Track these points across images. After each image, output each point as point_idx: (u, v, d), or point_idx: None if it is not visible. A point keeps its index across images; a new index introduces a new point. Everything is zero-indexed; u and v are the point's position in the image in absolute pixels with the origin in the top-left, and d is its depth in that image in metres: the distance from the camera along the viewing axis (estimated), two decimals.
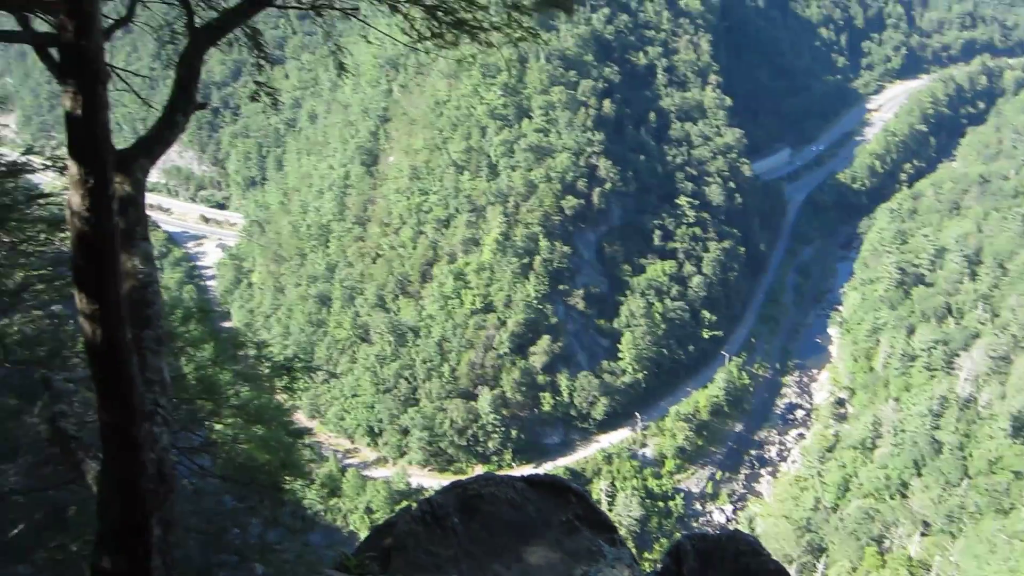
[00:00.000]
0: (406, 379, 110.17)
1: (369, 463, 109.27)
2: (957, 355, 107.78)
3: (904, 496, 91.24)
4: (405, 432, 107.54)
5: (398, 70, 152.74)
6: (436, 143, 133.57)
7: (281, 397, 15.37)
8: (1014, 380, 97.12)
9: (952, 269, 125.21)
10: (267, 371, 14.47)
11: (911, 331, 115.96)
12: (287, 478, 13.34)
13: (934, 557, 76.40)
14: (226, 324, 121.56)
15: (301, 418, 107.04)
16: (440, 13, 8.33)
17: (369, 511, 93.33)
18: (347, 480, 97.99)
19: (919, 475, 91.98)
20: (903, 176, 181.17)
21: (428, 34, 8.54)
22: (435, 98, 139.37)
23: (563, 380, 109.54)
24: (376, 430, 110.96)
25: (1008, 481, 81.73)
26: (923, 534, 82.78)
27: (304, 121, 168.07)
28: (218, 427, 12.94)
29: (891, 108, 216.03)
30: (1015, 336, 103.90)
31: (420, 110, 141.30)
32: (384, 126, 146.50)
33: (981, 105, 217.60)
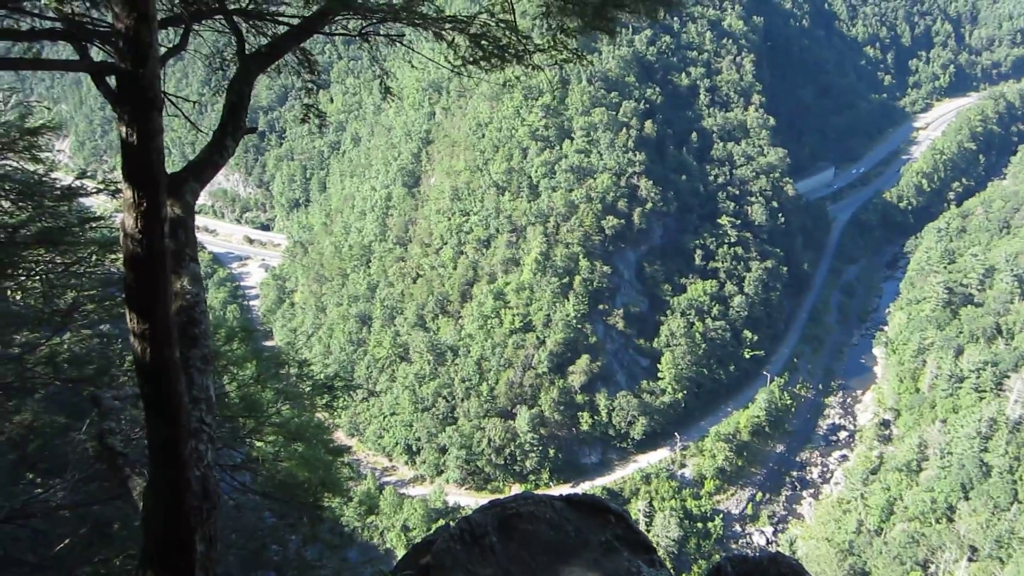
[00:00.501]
0: (444, 398, 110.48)
1: (407, 481, 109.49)
2: (1007, 376, 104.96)
3: (951, 520, 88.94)
4: (443, 450, 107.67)
5: (440, 93, 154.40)
6: (477, 164, 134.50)
7: (321, 415, 15.54)
8: None
9: (1002, 289, 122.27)
10: (308, 390, 14.68)
11: (959, 352, 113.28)
12: (326, 495, 13.48)
13: None
14: (268, 343, 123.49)
15: (340, 436, 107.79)
16: (484, 41, 8.48)
17: (406, 529, 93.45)
18: (385, 498, 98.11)
19: (967, 499, 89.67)
20: (951, 195, 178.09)
21: (472, 59, 8.69)
22: (477, 120, 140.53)
23: (602, 399, 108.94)
24: (414, 448, 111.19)
25: None
26: (970, 559, 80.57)
27: (347, 144, 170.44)
28: (259, 445, 13.13)
29: (939, 126, 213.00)
30: None
31: (462, 132, 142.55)
32: (426, 148, 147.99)
33: None
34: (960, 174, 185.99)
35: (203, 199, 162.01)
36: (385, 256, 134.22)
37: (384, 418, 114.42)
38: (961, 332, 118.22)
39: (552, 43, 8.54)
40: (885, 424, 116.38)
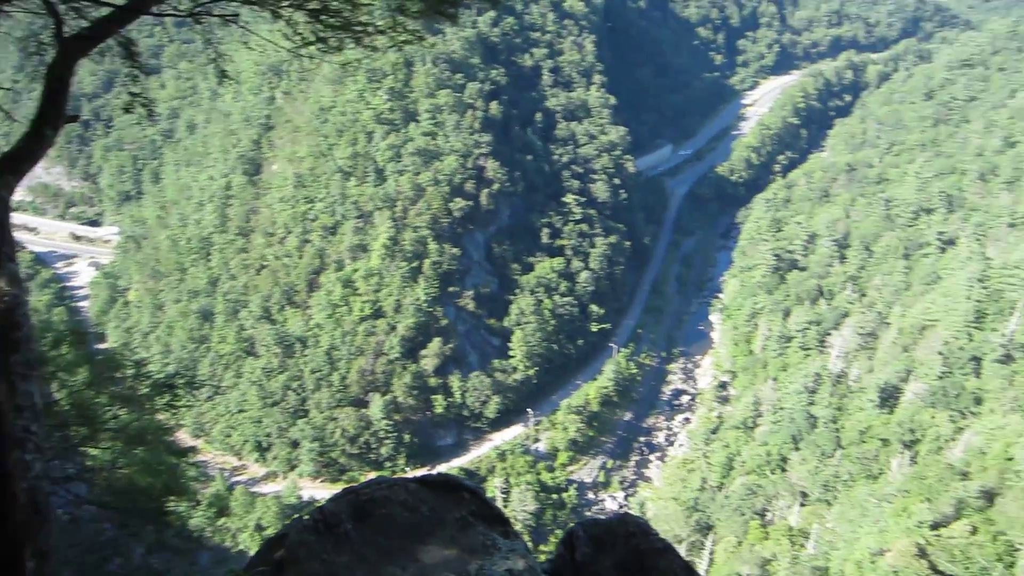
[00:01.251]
0: (294, 391, 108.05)
1: (258, 479, 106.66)
2: (829, 334, 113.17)
3: (784, 470, 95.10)
4: (295, 445, 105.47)
5: (281, 77, 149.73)
6: (321, 150, 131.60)
7: (163, 417, 14.91)
8: (880, 355, 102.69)
9: (823, 253, 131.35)
10: (147, 391, 14.02)
11: (787, 314, 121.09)
12: (172, 500, 13.00)
13: (812, 525, 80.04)
14: (101, 346, 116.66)
15: (184, 437, 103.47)
16: (324, 17, 8.25)
17: (260, 528, 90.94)
18: (235, 498, 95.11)
19: (797, 449, 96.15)
20: (777, 167, 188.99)
21: (312, 39, 8.46)
22: (319, 104, 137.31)
23: (455, 381, 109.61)
24: (264, 445, 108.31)
25: (876, 449, 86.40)
26: (802, 504, 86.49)
27: (182, 131, 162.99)
28: (95, 453, 12.52)
29: (765, 103, 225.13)
30: (880, 314, 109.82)
31: (304, 117, 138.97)
32: (267, 134, 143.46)
33: (847, 98, 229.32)
34: (785, 147, 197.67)
35: (21, 195, 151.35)
36: (226, 248, 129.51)
37: (231, 416, 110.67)
38: (788, 295, 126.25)
39: (393, 24, 8.44)
40: (723, 386, 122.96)
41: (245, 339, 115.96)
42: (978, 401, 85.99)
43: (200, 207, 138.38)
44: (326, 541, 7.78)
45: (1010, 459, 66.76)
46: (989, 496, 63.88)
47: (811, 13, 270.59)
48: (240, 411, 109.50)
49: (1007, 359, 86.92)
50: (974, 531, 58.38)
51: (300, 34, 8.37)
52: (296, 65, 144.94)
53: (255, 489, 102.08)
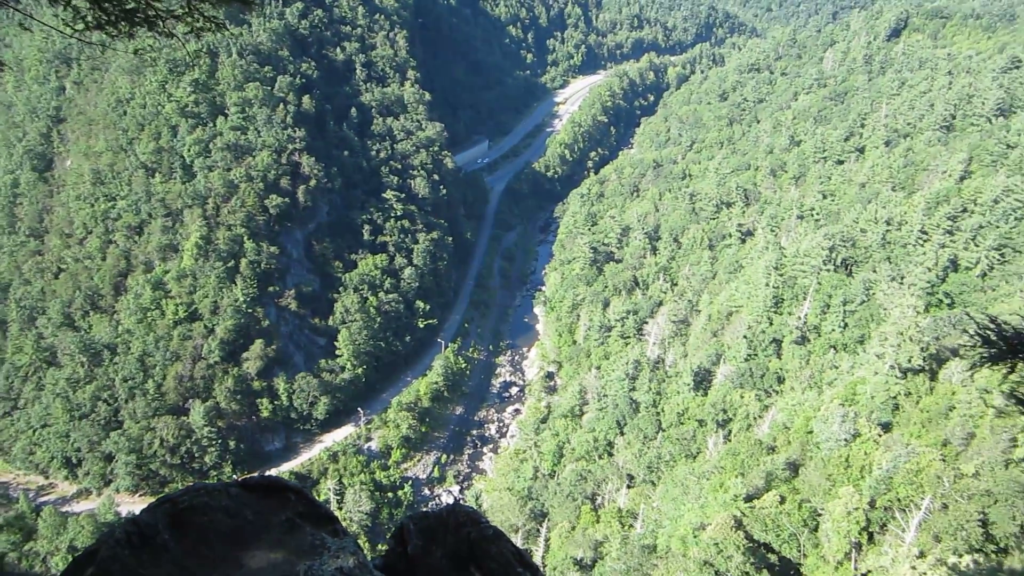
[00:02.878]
0: (105, 401, 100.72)
1: (70, 497, 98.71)
2: (645, 323, 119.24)
3: (611, 454, 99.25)
4: (109, 458, 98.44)
5: (70, 65, 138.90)
6: (121, 144, 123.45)
7: None
8: (692, 340, 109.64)
9: (636, 246, 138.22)
10: None
11: (606, 304, 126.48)
12: None
13: (639, 505, 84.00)
14: None
15: None
16: (107, 3, 7.80)
17: (73, 550, 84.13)
18: (44, 519, 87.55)
19: (622, 434, 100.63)
20: (590, 163, 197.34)
21: (95, 23, 7.97)
22: (116, 96, 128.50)
23: (280, 383, 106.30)
24: (74, 460, 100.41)
25: (694, 429, 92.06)
26: (629, 486, 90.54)
27: None
28: None
29: (576, 101, 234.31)
30: (690, 301, 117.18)
31: (100, 109, 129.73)
32: (58, 127, 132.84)
33: (651, 98, 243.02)
34: (596, 144, 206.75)
35: None
36: (17, 250, 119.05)
37: (34, 432, 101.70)
38: (606, 287, 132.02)
39: (188, 10, 8.08)
40: (550, 376, 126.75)
41: (45, 348, 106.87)
42: (780, 380, 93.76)
43: None
44: (142, 554, 7.26)
45: (810, 432, 73.19)
46: (794, 467, 69.91)
47: (614, 16, 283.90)
48: (44, 426, 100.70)
49: (802, 340, 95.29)
50: (782, 501, 63.63)
51: (83, 19, 7.86)
52: (87, 53, 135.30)
53: (66, 508, 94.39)
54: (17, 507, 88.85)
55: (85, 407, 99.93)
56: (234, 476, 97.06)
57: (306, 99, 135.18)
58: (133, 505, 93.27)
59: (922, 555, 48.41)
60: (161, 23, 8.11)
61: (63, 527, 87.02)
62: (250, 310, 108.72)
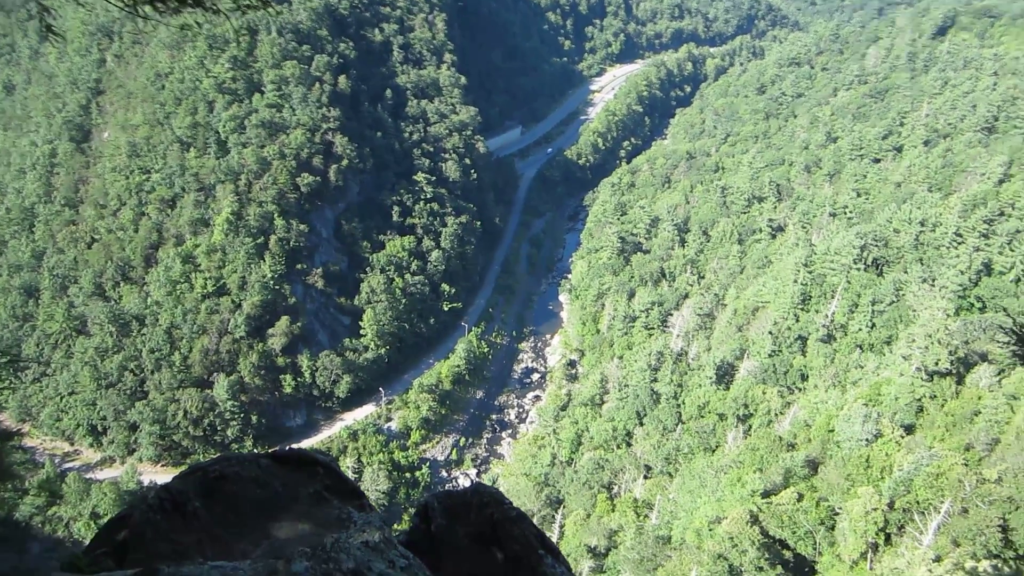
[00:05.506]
0: (132, 371, 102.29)
1: (93, 465, 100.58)
2: (670, 314, 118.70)
3: (629, 445, 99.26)
4: (134, 428, 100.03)
5: (112, 38, 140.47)
6: (158, 118, 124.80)
7: None
8: (716, 334, 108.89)
9: (665, 237, 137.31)
10: None
11: (631, 295, 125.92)
12: None
13: (656, 496, 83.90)
14: None
15: (7, 422, 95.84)
16: None
17: (96, 516, 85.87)
18: (68, 485, 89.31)
19: (641, 424, 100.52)
20: (622, 153, 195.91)
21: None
22: (156, 70, 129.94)
23: (304, 360, 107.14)
24: (100, 428, 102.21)
25: (713, 423, 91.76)
26: (646, 477, 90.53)
27: None
28: None
29: (611, 90, 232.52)
30: (717, 295, 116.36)
31: (139, 82, 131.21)
32: (97, 99, 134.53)
33: (688, 89, 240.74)
34: (630, 134, 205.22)
35: None
36: (52, 219, 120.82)
37: (61, 398, 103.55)
38: (632, 277, 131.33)
39: None
40: (571, 364, 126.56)
41: (76, 317, 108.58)
42: (804, 377, 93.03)
43: (21, 175, 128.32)
44: (174, 520, 7.48)
45: (831, 431, 72.67)
46: (813, 465, 69.46)
47: (655, 5, 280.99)
48: (71, 393, 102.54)
49: (829, 339, 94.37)
50: (800, 498, 63.29)
51: None
52: (129, 27, 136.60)
53: (90, 475, 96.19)
54: (43, 472, 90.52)
55: (112, 376, 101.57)
56: (255, 450, 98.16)
57: (342, 79, 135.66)
58: (155, 475, 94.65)
59: (939, 559, 47.79)
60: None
61: (86, 494, 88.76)
62: (277, 287, 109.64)
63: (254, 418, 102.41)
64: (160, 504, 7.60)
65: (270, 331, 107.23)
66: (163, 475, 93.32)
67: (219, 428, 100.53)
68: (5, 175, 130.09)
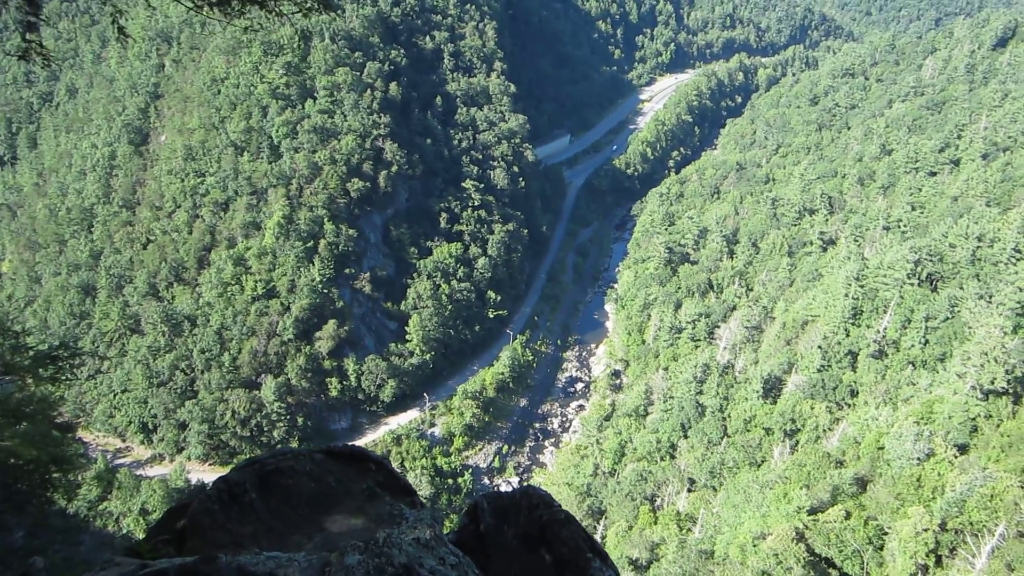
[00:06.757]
0: (183, 371, 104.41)
1: (143, 462, 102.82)
2: (717, 326, 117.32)
3: (673, 457, 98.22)
4: (183, 426, 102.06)
5: (170, 44, 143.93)
6: (213, 122, 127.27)
7: (46, 389, 14.20)
8: (764, 347, 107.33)
9: (713, 248, 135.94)
10: (28, 362, 13.30)
11: (678, 306, 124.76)
12: (57, 473, 12.41)
13: (699, 510, 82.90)
14: None
15: (63, 417, 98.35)
16: None
17: (145, 512, 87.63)
18: (119, 481, 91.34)
19: (685, 437, 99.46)
20: (671, 163, 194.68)
21: (216, 0, 8.11)
22: (212, 75, 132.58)
23: (350, 364, 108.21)
24: (150, 426, 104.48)
25: (760, 437, 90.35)
26: (689, 490, 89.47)
27: (62, 95, 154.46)
28: None
29: (661, 99, 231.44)
30: (765, 308, 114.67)
31: (195, 87, 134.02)
32: (155, 103, 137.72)
33: (739, 99, 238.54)
34: (679, 144, 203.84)
35: None
36: (110, 220, 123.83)
37: (115, 396, 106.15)
38: (679, 288, 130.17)
39: None
40: (616, 374, 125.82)
41: (130, 316, 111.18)
42: (853, 393, 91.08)
43: (81, 176, 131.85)
44: (230, 511, 7.59)
45: (881, 448, 70.99)
46: (862, 483, 67.93)
47: (706, 14, 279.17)
48: (124, 391, 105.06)
49: (880, 354, 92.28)
50: (848, 516, 61.94)
51: None
52: (187, 32, 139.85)
53: (140, 472, 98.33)
54: (96, 467, 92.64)
55: (164, 375, 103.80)
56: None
57: (393, 86, 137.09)
58: (203, 473, 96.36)
59: None
60: (273, 1, 8.19)
61: (136, 490, 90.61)
62: (325, 290, 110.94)
63: (300, 420, 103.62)
64: (218, 494, 7.72)
65: (317, 334, 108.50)
66: (210, 474, 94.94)
67: (266, 429, 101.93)
68: (67, 176, 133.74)
